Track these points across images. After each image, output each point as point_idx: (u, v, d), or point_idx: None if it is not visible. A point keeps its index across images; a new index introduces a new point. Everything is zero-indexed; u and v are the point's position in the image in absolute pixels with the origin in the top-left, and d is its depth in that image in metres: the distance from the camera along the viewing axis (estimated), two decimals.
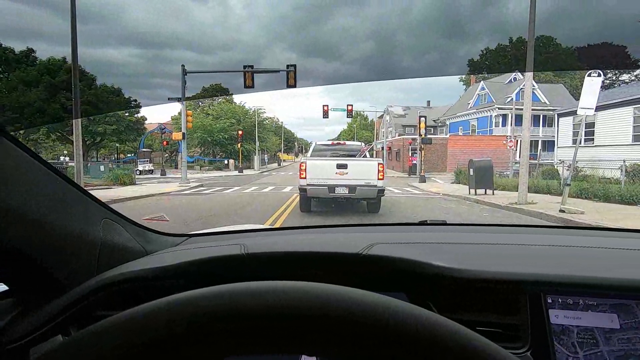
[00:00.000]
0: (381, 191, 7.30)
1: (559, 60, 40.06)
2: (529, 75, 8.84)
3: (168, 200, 11.03)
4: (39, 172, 0.65)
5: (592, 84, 6.81)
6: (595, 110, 7.49)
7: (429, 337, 0.29)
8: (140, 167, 23.93)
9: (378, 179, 7.22)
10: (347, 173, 7.19)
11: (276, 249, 0.88)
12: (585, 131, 14.19)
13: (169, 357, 0.29)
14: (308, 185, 7.21)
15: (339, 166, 7.24)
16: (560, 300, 0.72)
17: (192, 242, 1.08)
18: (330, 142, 9.69)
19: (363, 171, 7.22)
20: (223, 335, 0.29)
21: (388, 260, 0.78)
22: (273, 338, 0.29)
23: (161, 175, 22.62)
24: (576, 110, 7.61)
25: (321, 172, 7.21)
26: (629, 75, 41.39)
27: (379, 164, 7.41)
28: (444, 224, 1.30)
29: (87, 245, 0.73)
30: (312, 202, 7.84)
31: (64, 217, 0.68)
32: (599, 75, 6.78)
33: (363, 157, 8.42)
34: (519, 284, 0.73)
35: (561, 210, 7.46)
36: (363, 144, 10.20)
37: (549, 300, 0.72)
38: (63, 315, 0.66)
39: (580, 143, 8.34)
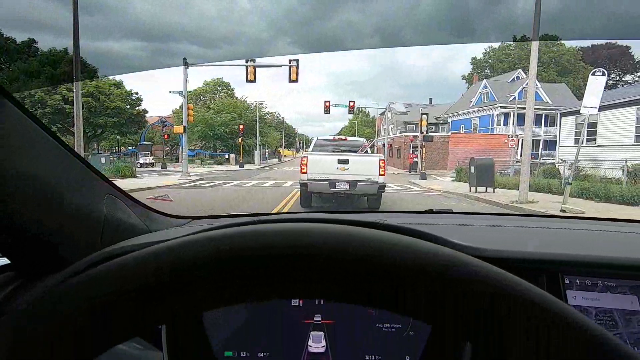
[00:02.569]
0: (382, 187, 7.25)
1: (562, 60, 39.87)
2: (533, 74, 8.79)
3: (168, 193, 11.03)
4: (45, 141, 0.63)
5: (596, 82, 6.77)
6: (598, 110, 7.47)
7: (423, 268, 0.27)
8: (141, 160, 23.92)
9: (379, 174, 7.18)
10: (348, 168, 7.16)
11: (293, 217, 0.88)
12: (587, 131, 14.16)
13: (159, 305, 0.28)
14: (309, 180, 7.16)
15: (340, 161, 7.20)
16: (578, 281, 0.71)
17: (197, 223, 1.06)
18: (332, 138, 9.59)
19: (364, 167, 7.19)
20: (206, 283, 0.28)
21: (406, 231, 0.77)
22: (252, 282, 0.27)
23: (162, 168, 22.62)
24: (579, 110, 7.57)
25: (322, 167, 7.17)
26: (633, 75, 41.25)
27: (380, 159, 7.39)
28: (450, 212, 1.30)
29: (90, 219, 0.71)
30: (313, 197, 7.76)
31: (68, 190, 0.66)
32: (603, 74, 6.74)
33: (364, 153, 8.42)
34: (537, 263, 0.71)
35: (562, 210, 7.46)
36: (364, 139, 10.19)
37: (567, 282, 0.71)
38: None
39: (582, 142, 8.31)
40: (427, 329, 0.74)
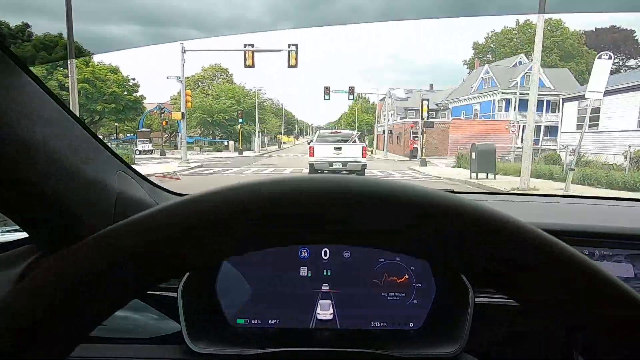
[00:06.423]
0: (364, 165, 10.39)
1: (565, 45, 39.28)
2: (537, 58, 8.61)
3: (168, 180, 10.95)
4: (60, 116, 0.63)
5: (601, 66, 6.61)
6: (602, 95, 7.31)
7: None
8: (139, 147, 23.73)
9: (362, 157, 10.39)
10: (341, 153, 10.26)
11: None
12: (590, 116, 14.01)
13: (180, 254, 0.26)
14: (315, 161, 10.21)
15: (336, 148, 10.30)
16: None
17: None
18: (330, 131, 13.45)
19: (352, 152, 10.35)
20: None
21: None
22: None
23: (160, 155, 22.49)
24: (582, 95, 7.44)
25: (324, 152, 10.26)
26: (636, 60, 40.74)
27: (363, 147, 10.70)
28: (452, 192, 1.33)
29: (103, 194, 0.71)
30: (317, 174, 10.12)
31: (83, 163, 0.67)
32: (610, 57, 6.57)
33: (353, 142, 11.40)
34: None
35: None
36: (354, 132, 13.89)
37: None
38: None
39: (585, 128, 8.20)
40: (430, 297, 0.77)
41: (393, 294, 0.77)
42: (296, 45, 13.58)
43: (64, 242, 0.66)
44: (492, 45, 45.17)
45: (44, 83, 0.60)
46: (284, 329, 0.76)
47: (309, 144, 12.70)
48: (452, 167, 16.51)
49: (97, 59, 22.87)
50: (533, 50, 9.12)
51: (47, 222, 0.64)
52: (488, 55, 44.71)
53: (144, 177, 0.90)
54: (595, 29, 42.22)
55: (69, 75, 9.19)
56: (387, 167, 16.68)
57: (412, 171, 14.71)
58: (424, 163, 16.91)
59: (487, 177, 11.02)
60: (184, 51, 15.34)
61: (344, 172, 10.15)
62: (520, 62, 31.34)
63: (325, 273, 0.78)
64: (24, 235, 0.71)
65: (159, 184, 0.98)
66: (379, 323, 0.77)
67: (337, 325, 0.77)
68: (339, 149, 10.33)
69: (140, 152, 22.77)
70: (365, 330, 0.77)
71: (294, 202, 0.24)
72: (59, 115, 0.63)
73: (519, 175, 9.43)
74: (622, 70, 35.29)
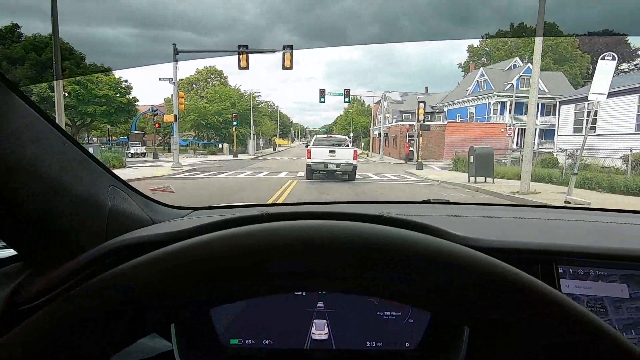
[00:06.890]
0: (355, 167, 11.74)
1: (559, 48, 39.51)
2: (537, 58, 8.46)
3: (159, 184, 10.67)
4: (50, 133, 0.63)
5: (605, 67, 6.45)
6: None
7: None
8: (132, 150, 23.33)
9: (353, 159, 11.62)
10: (335, 155, 11.54)
11: (297, 211, 0.85)
12: (588, 119, 13.91)
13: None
14: (312, 162, 11.68)
15: (330, 151, 11.61)
16: (571, 270, 0.73)
17: (199, 214, 1.07)
18: (326, 136, 14.86)
19: (345, 155, 11.62)
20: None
21: (408, 224, 0.72)
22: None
23: (153, 158, 22.09)
24: (579, 98, 7.28)
25: (320, 154, 11.62)
26: (629, 64, 41.12)
27: (354, 151, 11.95)
28: (447, 202, 1.33)
29: (95, 210, 0.71)
30: (314, 174, 12.10)
31: (74, 180, 0.66)
32: (613, 58, 6.41)
33: (346, 146, 12.56)
34: (533, 253, 0.73)
35: (566, 201, 7.22)
36: (347, 137, 15.19)
37: (560, 271, 0.73)
38: (75, 278, 0.65)
39: (586, 131, 8.04)
40: (425, 317, 0.76)
41: (389, 313, 0.77)
42: (291, 47, 13.36)
43: (54, 260, 0.65)
44: (487, 49, 45.34)
45: (32, 101, 0.59)
46: (278, 350, 0.76)
47: (306, 146, 13.73)
48: (449, 170, 16.34)
49: (88, 60, 22.46)
50: (527, 53, 9.01)
51: (36, 240, 0.63)
52: (483, 59, 44.86)
53: (137, 191, 0.89)
54: (588, 32, 42.55)
55: (56, 97, 8.79)
56: (384, 170, 16.49)
57: (408, 174, 14.51)
58: (420, 166, 16.72)
59: (485, 180, 10.85)
60: (176, 52, 15.04)
61: (337, 172, 11.75)
62: (515, 65, 31.40)
63: (320, 292, 0.76)
64: (12, 252, 0.71)
65: (152, 197, 0.97)
66: (374, 343, 0.76)
67: (332, 346, 0.76)
68: (333, 152, 11.56)
69: (133, 155, 22.37)
70: (361, 350, 0.76)
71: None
72: (48, 133, 0.62)
73: (517, 179, 9.25)
74: (615, 74, 35.46)
